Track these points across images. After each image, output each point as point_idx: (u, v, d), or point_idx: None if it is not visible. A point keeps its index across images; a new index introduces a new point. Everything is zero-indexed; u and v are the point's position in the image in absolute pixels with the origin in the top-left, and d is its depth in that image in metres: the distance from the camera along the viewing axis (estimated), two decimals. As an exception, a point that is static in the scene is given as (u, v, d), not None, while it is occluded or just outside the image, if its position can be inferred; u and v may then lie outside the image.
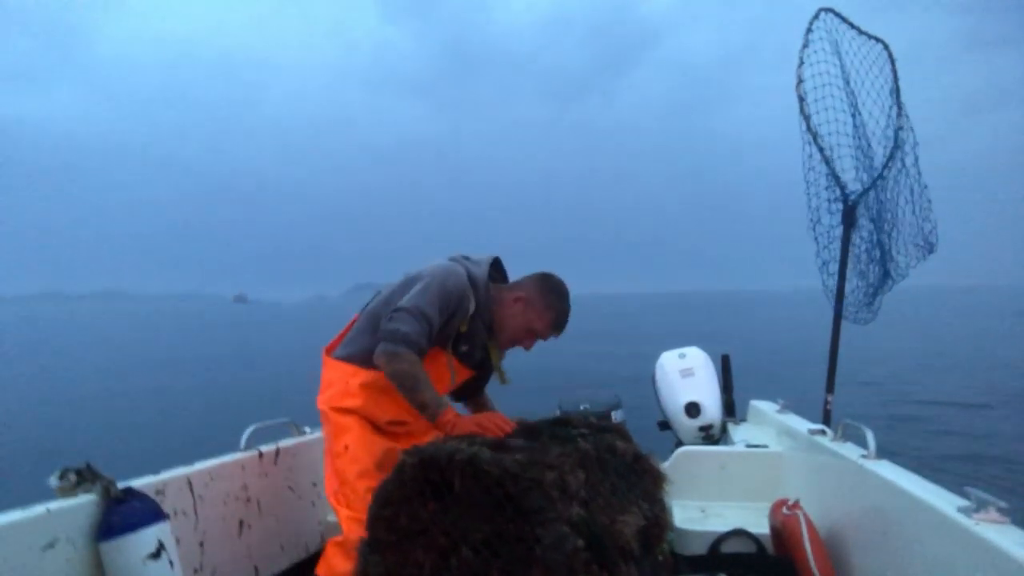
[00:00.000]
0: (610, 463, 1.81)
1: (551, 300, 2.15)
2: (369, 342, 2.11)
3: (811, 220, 3.37)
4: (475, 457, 1.51)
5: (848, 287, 3.39)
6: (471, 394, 2.47)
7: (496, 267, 2.30)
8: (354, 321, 2.27)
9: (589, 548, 1.45)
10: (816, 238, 3.38)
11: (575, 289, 2.24)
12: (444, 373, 2.19)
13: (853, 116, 3.34)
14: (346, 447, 2.11)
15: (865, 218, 3.38)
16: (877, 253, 3.41)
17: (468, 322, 2.14)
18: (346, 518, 2.07)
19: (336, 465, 2.13)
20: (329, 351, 2.28)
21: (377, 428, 2.18)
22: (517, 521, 1.45)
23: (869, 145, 3.37)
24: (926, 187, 3.26)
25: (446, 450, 1.52)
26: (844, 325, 3.43)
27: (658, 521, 1.80)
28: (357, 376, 2.14)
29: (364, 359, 2.12)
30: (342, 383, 2.16)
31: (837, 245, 3.36)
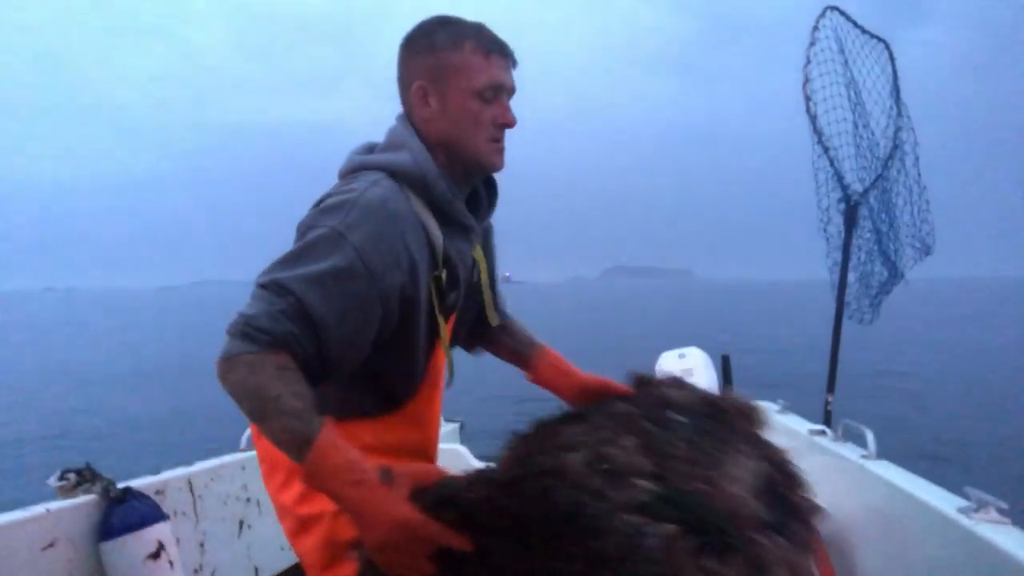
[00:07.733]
0: (671, 420, 1.11)
1: (439, 40, 1.22)
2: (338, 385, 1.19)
3: (821, 221, 3.37)
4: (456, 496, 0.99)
5: (851, 287, 3.39)
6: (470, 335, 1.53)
7: None
8: None
9: (689, 531, 0.88)
10: (827, 239, 3.38)
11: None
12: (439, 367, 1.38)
13: (857, 116, 3.34)
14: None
15: (867, 218, 3.38)
16: (878, 254, 3.41)
17: (442, 257, 1.24)
18: None
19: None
20: None
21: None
22: (550, 551, 0.91)
23: (871, 145, 3.38)
24: (925, 188, 3.26)
25: (451, 487, 1.02)
26: (845, 324, 3.43)
27: (775, 463, 1.09)
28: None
29: (336, 407, 1.17)
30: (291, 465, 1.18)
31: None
